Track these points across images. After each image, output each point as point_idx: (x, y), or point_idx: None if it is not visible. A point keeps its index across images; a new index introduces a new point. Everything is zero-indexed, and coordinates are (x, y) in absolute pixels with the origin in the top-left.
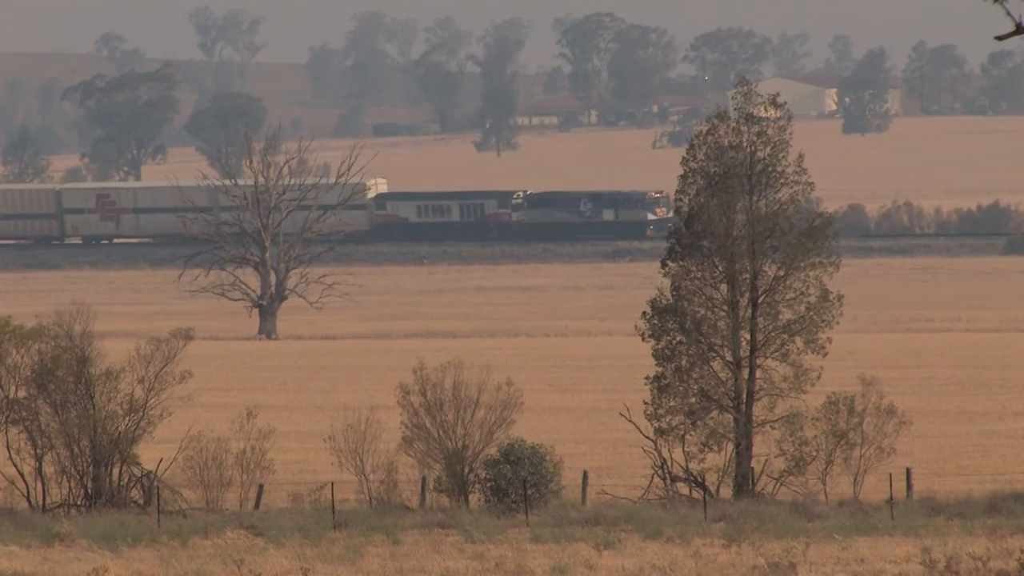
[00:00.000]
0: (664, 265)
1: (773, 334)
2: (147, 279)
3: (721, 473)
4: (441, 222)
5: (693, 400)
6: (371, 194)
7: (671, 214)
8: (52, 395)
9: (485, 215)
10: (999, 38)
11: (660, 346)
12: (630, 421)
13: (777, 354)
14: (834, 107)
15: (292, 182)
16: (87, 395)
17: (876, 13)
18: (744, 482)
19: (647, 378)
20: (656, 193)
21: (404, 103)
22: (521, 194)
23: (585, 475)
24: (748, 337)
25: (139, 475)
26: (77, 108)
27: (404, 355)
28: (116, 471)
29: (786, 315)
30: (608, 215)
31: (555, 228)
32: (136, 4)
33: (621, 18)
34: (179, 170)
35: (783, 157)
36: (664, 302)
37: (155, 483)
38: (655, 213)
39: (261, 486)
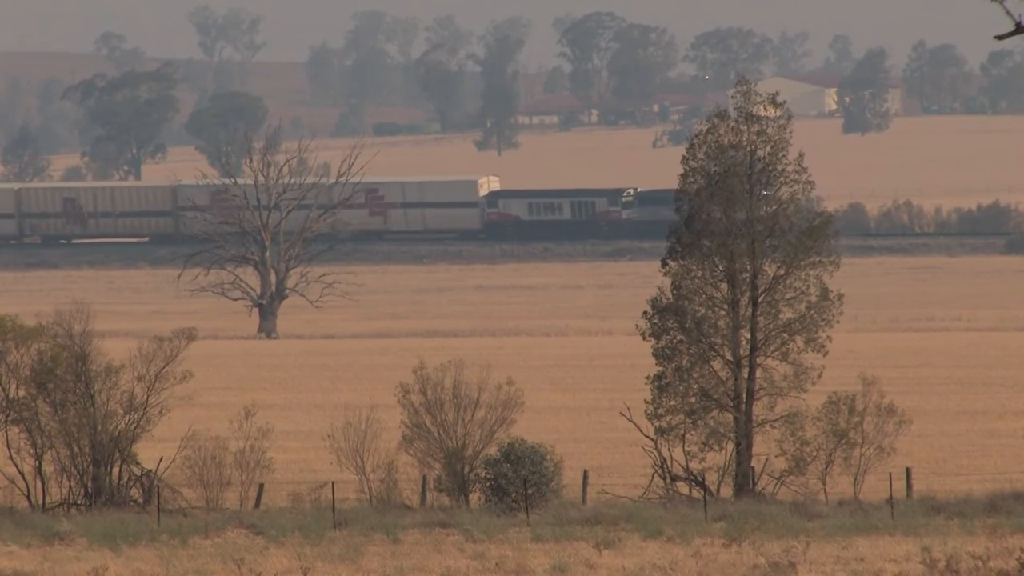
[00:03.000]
0: (664, 264)
1: (773, 333)
2: (147, 279)
3: (721, 472)
4: (552, 220)
5: (693, 399)
6: (483, 192)
7: None
8: (52, 394)
9: (596, 213)
10: (999, 37)
11: (660, 345)
12: (630, 420)
13: (777, 353)
14: (834, 106)
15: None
16: (87, 394)
17: (876, 13)
18: (744, 481)
19: (647, 377)
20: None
21: (404, 102)
22: (631, 192)
23: (585, 474)
24: (748, 336)
25: (139, 474)
26: (77, 107)
27: (404, 354)
28: (116, 470)
29: (786, 314)
30: None
31: (665, 226)
32: (136, 3)
33: (621, 17)
34: (179, 169)
35: (783, 156)
36: (664, 301)
37: (155, 482)
38: None
39: (261, 485)
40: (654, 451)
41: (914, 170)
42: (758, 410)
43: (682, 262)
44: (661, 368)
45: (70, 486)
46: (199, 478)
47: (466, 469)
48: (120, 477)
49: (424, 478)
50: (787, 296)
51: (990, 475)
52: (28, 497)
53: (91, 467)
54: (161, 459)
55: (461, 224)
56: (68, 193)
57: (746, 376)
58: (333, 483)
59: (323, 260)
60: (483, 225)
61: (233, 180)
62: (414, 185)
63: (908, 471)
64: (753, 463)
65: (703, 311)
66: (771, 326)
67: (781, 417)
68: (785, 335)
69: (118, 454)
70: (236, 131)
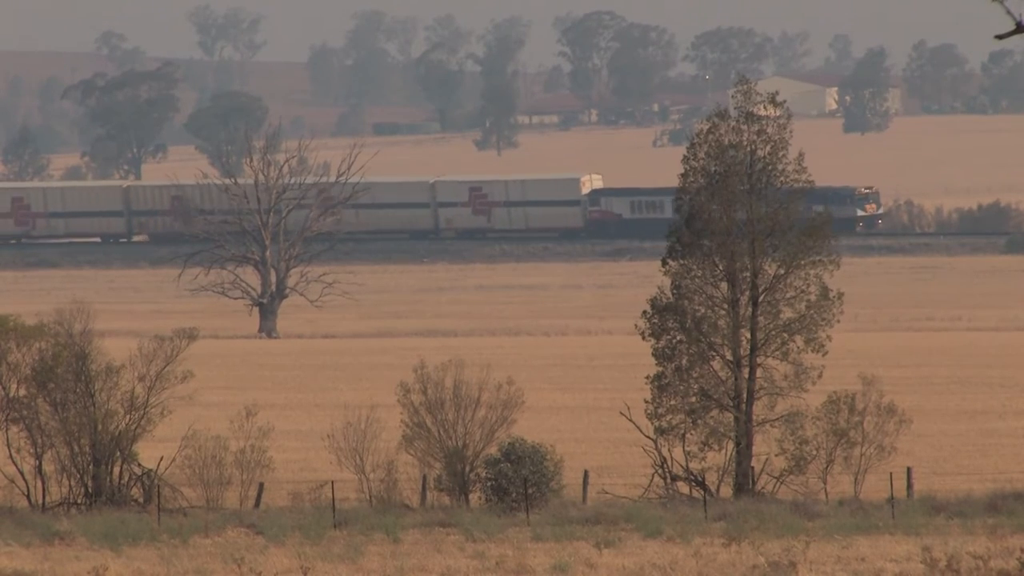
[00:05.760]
0: (664, 263)
1: (773, 333)
2: (147, 278)
3: (721, 472)
4: (654, 218)
5: (693, 399)
6: (585, 190)
7: (880, 210)
8: (52, 393)
9: None
10: (999, 37)
11: (660, 345)
12: (630, 420)
13: (777, 353)
14: (834, 106)
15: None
16: (87, 393)
17: (876, 12)
18: (744, 481)
19: (647, 377)
20: (865, 189)
21: (404, 102)
22: None
23: (586, 474)
24: (748, 336)
25: (139, 473)
26: (77, 107)
27: (404, 354)
28: (116, 469)
29: (786, 313)
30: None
31: None
32: (136, 3)
33: (621, 17)
34: (179, 169)
35: (783, 156)
36: (664, 301)
37: (155, 481)
38: (864, 209)
39: (261, 485)
40: (654, 451)
41: (914, 169)
42: (758, 410)
43: (682, 261)
44: (661, 368)
45: (70, 485)
46: (199, 478)
47: (466, 469)
48: (120, 476)
49: (424, 478)
50: (787, 296)
51: (990, 475)
52: (28, 496)
53: (91, 466)
54: (161, 458)
55: (563, 223)
56: (176, 191)
57: (746, 376)
58: (333, 483)
59: (323, 259)
60: (585, 223)
61: (233, 179)
62: (517, 183)
63: (909, 471)
64: (753, 463)
65: (703, 311)
66: (771, 326)
67: (781, 417)
68: (785, 335)
69: (118, 453)
70: (236, 131)
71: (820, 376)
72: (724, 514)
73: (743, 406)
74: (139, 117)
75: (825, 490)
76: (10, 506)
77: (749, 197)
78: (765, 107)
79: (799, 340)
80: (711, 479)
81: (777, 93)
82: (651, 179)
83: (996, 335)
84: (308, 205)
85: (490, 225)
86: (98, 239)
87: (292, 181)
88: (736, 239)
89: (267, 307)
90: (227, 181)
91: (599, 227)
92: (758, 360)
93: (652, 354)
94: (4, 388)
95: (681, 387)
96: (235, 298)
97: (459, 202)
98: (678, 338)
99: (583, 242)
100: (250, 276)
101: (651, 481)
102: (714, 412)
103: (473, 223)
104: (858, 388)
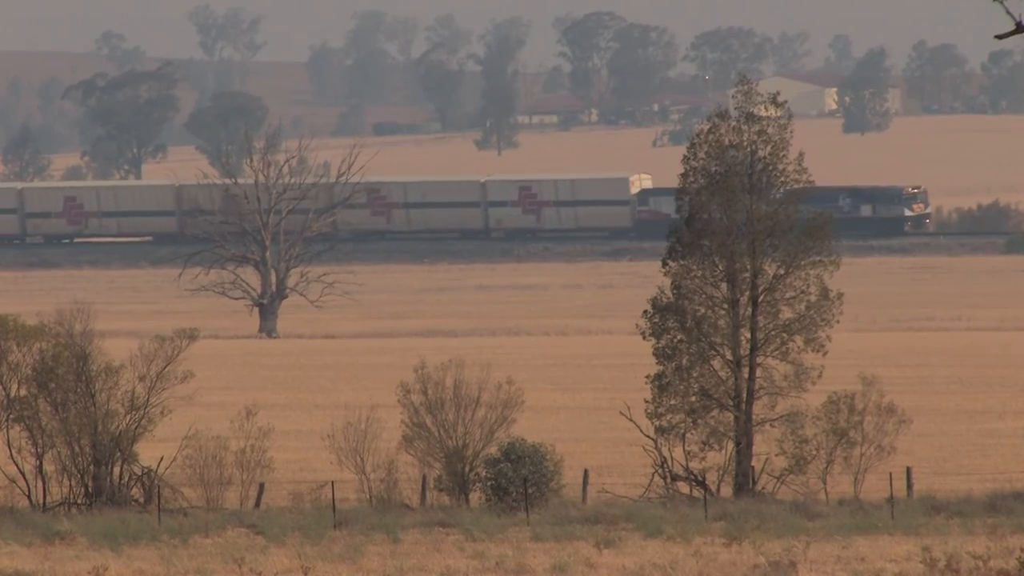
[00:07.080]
0: (665, 264)
1: (773, 332)
2: (147, 278)
3: (721, 472)
4: None
5: (693, 399)
6: (634, 190)
7: (928, 210)
8: (53, 393)
9: None
10: (999, 37)
11: (661, 344)
12: (630, 420)
13: (777, 353)
14: (834, 106)
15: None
16: (88, 393)
17: (876, 12)
18: (744, 481)
19: (648, 376)
20: (913, 189)
21: (405, 102)
22: None
23: (586, 474)
24: (748, 336)
25: (140, 473)
26: (78, 107)
27: (405, 354)
28: (117, 469)
29: (786, 314)
30: (866, 211)
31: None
32: (137, 3)
33: (621, 17)
34: (179, 169)
35: (783, 156)
36: (665, 300)
37: (156, 481)
38: (912, 209)
39: (262, 485)
40: (654, 450)
41: (914, 170)
42: (758, 409)
43: (682, 262)
44: (661, 367)
45: (71, 485)
46: (200, 477)
47: (466, 468)
48: (121, 476)
49: (424, 478)
50: (787, 296)
51: (990, 475)
52: (29, 496)
53: (92, 466)
54: (162, 458)
55: (612, 222)
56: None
57: (746, 375)
58: (333, 483)
59: (323, 260)
60: (634, 223)
61: (234, 180)
62: (566, 183)
63: (908, 471)
64: (753, 462)
65: (703, 310)
66: (771, 325)
67: (781, 416)
68: (785, 335)
69: (119, 453)
70: (236, 131)
71: (820, 376)
72: (724, 514)
73: (743, 406)
74: (139, 117)
75: (825, 490)
76: (11, 506)
77: (749, 197)
78: (766, 107)
79: (799, 340)
80: (711, 479)
81: (779, 94)
82: (651, 179)
83: (996, 335)
84: (306, 210)
85: (540, 225)
86: (150, 238)
87: (292, 181)
88: (736, 239)
89: (267, 307)
90: (227, 181)
91: (647, 227)
92: (758, 360)
93: (652, 353)
94: (5, 388)
95: (681, 387)
96: (235, 298)
97: (509, 201)
98: (678, 337)
99: (584, 242)
100: (250, 276)
101: (651, 481)
102: (714, 412)
103: (523, 223)
104: (858, 388)
